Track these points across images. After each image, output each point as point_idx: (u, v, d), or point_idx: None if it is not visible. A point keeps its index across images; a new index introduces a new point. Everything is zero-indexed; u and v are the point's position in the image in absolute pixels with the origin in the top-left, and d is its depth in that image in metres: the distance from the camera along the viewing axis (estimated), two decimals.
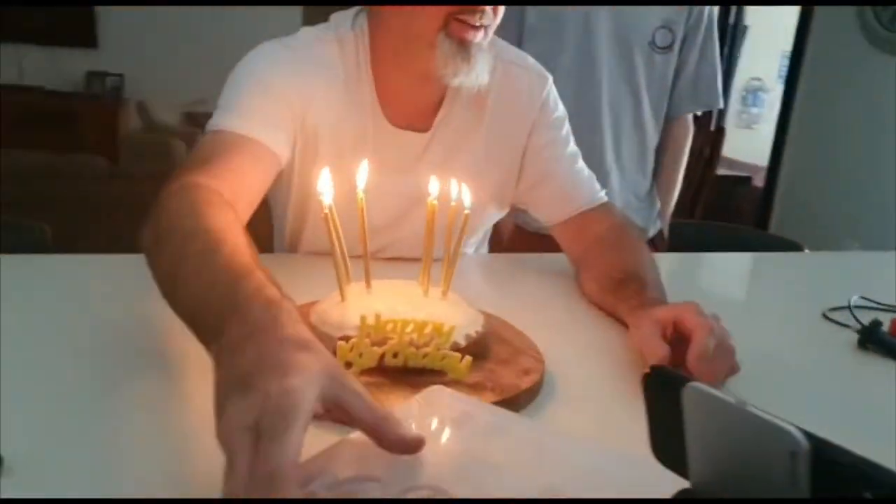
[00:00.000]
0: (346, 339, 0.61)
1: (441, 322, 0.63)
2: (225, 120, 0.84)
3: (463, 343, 0.65)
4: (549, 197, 1.04)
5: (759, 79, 6.14)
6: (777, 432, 0.34)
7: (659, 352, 0.67)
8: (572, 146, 1.06)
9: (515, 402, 0.61)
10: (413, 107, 0.96)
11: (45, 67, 4.20)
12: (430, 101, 0.96)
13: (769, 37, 5.49)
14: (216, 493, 0.39)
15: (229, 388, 0.43)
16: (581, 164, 1.06)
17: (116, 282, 0.84)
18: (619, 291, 0.86)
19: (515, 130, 1.01)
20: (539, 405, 0.64)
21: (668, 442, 0.40)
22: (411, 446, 0.45)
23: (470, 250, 1.15)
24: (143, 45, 4.14)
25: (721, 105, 1.64)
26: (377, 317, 0.61)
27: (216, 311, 0.51)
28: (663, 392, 0.40)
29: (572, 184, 1.04)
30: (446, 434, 0.52)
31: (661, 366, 0.42)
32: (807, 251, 1.55)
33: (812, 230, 3.65)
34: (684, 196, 3.45)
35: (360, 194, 0.68)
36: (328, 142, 0.92)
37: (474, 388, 0.61)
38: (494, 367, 0.66)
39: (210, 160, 0.79)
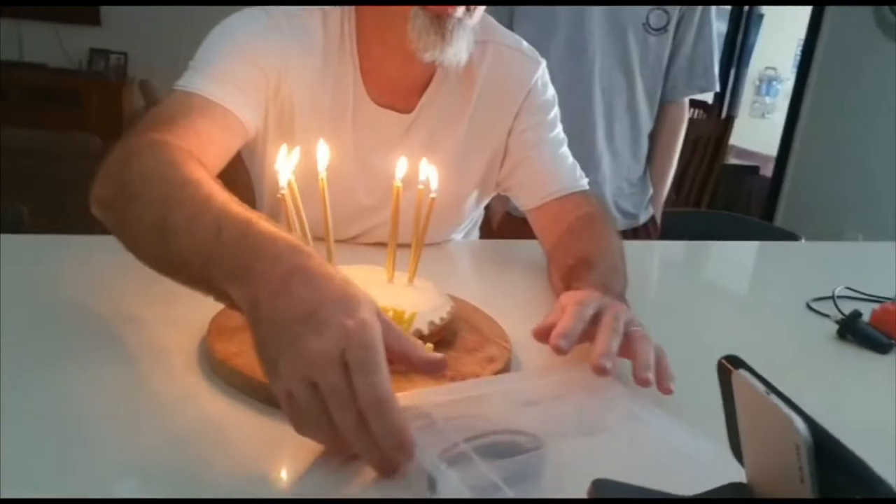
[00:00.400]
0: None
1: (403, 309, 0.61)
2: (195, 81, 0.82)
3: (426, 331, 0.63)
4: (527, 180, 1.01)
5: (773, 68, 6.07)
6: (784, 420, 0.34)
7: (544, 320, 0.64)
8: (558, 132, 1.03)
9: None
10: (397, 85, 0.93)
11: (48, 45, 4.18)
12: (416, 81, 0.94)
13: (784, 25, 5.41)
14: (172, 476, 0.37)
15: (294, 327, 0.44)
16: (565, 150, 1.03)
17: (85, 262, 0.83)
18: (567, 278, 0.80)
19: (502, 113, 0.99)
20: None
21: (732, 433, 0.42)
22: (438, 366, 0.51)
23: (458, 236, 1.13)
24: (147, 24, 4.12)
25: (717, 88, 1.60)
26: None
27: (232, 255, 0.51)
28: (723, 379, 0.41)
29: (551, 169, 1.00)
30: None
31: (730, 355, 0.41)
32: (803, 241, 1.53)
33: (817, 222, 3.61)
34: (691, 185, 3.44)
35: (322, 174, 0.66)
36: (305, 115, 0.90)
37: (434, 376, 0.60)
38: (459, 354, 0.64)
39: (175, 120, 0.76)
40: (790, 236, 1.61)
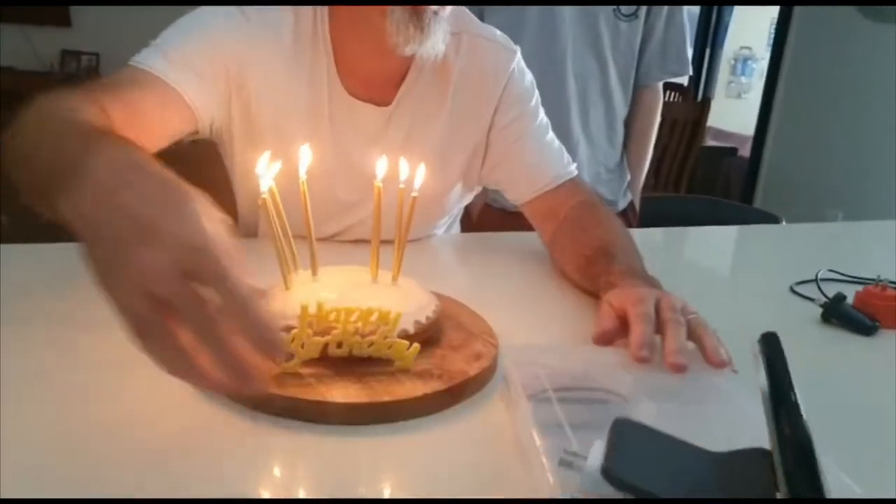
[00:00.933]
0: (288, 329, 0.59)
1: (388, 309, 0.61)
2: (149, 58, 0.81)
3: (412, 330, 0.63)
4: (516, 175, 1.01)
5: (748, 47, 6.10)
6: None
7: (602, 323, 0.68)
8: (541, 118, 1.03)
9: (463, 389, 0.60)
10: (374, 79, 0.93)
11: (18, 47, 4.10)
12: (392, 74, 0.93)
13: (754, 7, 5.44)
14: (161, 482, 0.37)
15: (126, 236, 0.41)
16: (551, 136, 1.03)
17: (68, 271, 0.82)
18: (589, 270, 0.84)
19: (481, 106, 0.98)
20: (492, 389, 0.62)
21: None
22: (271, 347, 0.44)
23: (440, 231, 1.13)
24: (118, 24, 4.04)
25: (690, 72, 1.62)
26: (319, 305, 0.59)
27: (69, 159, 0.47)
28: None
29: (539, 161, 1.00)
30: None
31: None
32: (783, 224, 1.54)
33: (796, 201, 3.65)
34: (669, 168, 3.46)
35: (303, 177, 0.65)
36: (274, 110, 0.90)
37: (421, 375, 0.60)
38: (446, 352, 0.64)
39: (111, 89, 0.74)
40: (770, 218, 1.63)
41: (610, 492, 0.40)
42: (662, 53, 1.53)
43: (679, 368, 0.59)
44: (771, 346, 0.42)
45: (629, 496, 0.39)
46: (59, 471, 0.47)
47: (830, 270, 1.00)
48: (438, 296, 0.71)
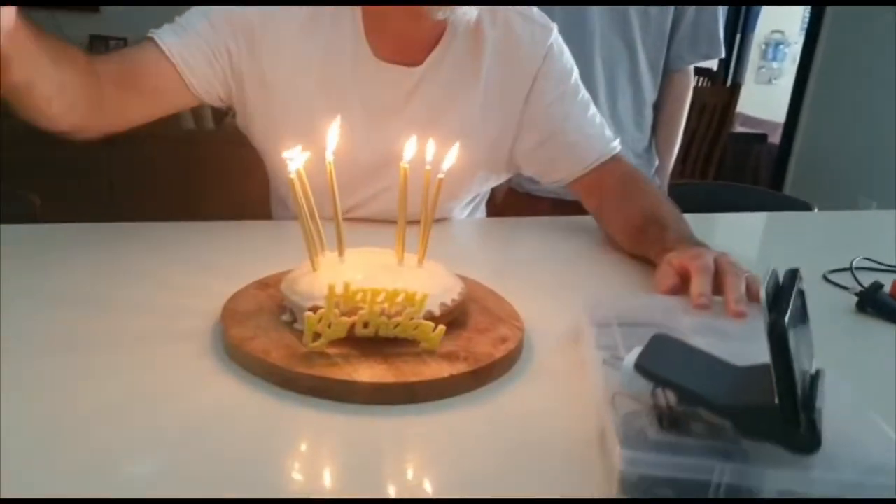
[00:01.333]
0: (315, 309, 0.59)
1: (414, 291, 0.61)
2: (159, 31, 0.88)
3: (437, 312, 0.63)
4: (562, 154, 1.00)
5: (780, 31, 5.96)
6: None
7: (665, 281, 0.75)
8: (583, 94, 1.02)
9: (489, 371, 0.60)
10: (405, 42, 0.92)
11: (47, 31, 4.15)
12: (425, 38, 0.93)
13: None
14: (188, 460, 0.37)
15: None
16: (593, 111, 1.03)
17: (98, 251, 0.83)
18: (642, 238, 0.90)
19: (516, 82, 0.97)
20: (517, 373, 0.62)
21: None
22: None
23: (464, 213, 1.12)
24: (146, 9, 4.08)
25: (722, 54, 1.57)
26: (346, 286, 0.59)
27: None
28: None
29: (584, 139, 1.00)
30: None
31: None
32: (815, 211, 1.51)
33: (828, 189, 3.58)
34: (697, 155, 3.41)
35: (329, 158, 0.65)
36: (290, 76, 0.91)
37: (447, 357, 0.59)
38: (472, 335, 0.64)
39: (119, 51, 0.89)
40: (802, 206, 1.59)
41: (643, 387, 0.48)
42: (694, 35, 1.50)
43: (740, 315, 0.67)
44: (775, 283, 0.48)
45: (659, 388, 0.48)
46: (93, 443, 0.48)
47: (865, 258, 0.97)
48: (464, 279, 0.71)
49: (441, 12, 0.82)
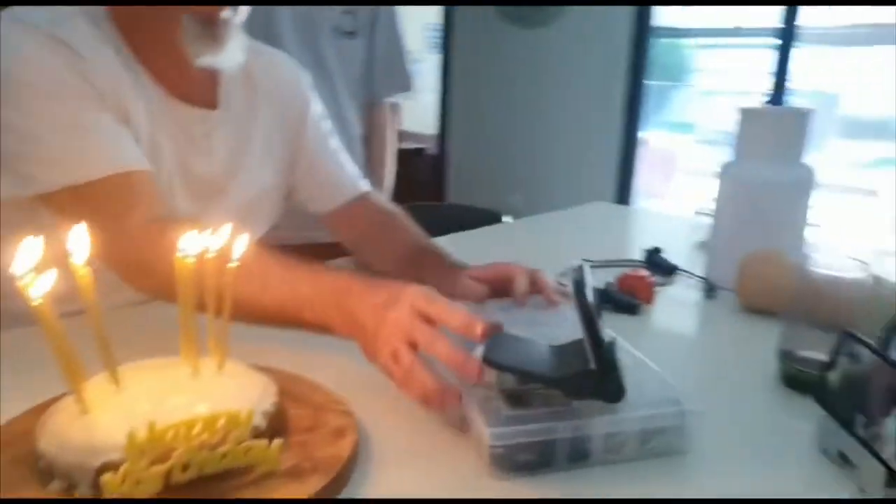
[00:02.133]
0: (109, 467, 0.45)
1: (232, 407, 0.50)
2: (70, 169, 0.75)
3: (264, 424, 0.53)
4: (323, 186, 1.06)
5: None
6: None
7: (474, 293, 0.82)
8: (336, 138, 1.09)
9: (345, 474, 0.53)
10: (193, 80, 0.88)
11: None
12: (208, 75, 0.90)
13: (411, 10, 5.86)
14: None
15: (377, 311, 0.63)
16: (346, 155, 1.10)
17: None
18: (421, 261, 0.96)
19: (290, 114, 1.01)
20: (364, 468, 0.55)
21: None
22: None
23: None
24: None
25: (412, 88, 1.66)
26: (152, 426, 0.46)
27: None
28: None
29: (342, 173, 1.08)
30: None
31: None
32: (508, 219, 1.68)
33: (483, 192, 4.04)
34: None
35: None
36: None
37: (293, 474, 0.51)
38: (303, 437, 0.56)
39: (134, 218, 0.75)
40: (492, 217, 1.75)
41: (490, 376, 0.59)
42: (388, 70, 1.54)
43: (557, 303, 0.81)
44: (578, 276, 0.59)
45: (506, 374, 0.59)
46: None
47: (585, 259, 1.10)
48: (260, 368, 0.61)
49: (204, 59, 0.82)
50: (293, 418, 0.58)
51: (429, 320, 0.60)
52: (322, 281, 0.68)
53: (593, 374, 0.56)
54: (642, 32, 3.53)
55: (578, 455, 0.56)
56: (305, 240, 1.28)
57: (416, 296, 0.61)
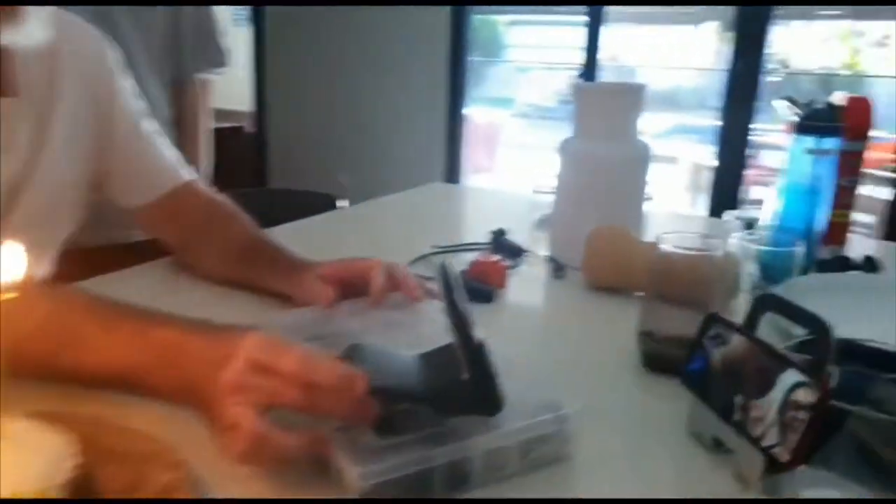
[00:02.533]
0: None
1: (12, 490, 0.38)
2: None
3: (66, 493, 0.41)
4: (139, 174, 0.92)
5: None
6: None
7: (325, 295, 0.75)
8: (151, 120, 0.95)
9: None
10: None
11: None
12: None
13: None
14: None
15: (209, 380, 0.51)
16: (165, 139, 0.96)
17: None
18: (254, 258, 0.87)
19: (99, 92, 0.87)
20: None
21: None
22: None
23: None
24: None
25: (227, 63, 1.50)
26: None
27: None
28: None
29: (162, 161, 0.94)
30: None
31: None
32: (345, 204, 1.58)
33: (308, 173, 3.88)
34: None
35: None
36: None
37: None
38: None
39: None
40: (326, 200, 1.64)
41: None
42: (199, 44, 1.37)
43: (421, 298, 0.75)
44: (445, 274, 0.55)
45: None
46: None
47: (435, 246, 1.06)
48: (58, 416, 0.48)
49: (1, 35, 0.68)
50: (107, 479, 0.46)
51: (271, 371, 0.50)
52: (148, 338, 0.57)
53: (467, 385, 0.50)
54: (462, 8, 3.54)
55: (458, 481, 0.50)
56: (108, 240, 1.12)
57: (250, 348, 0.51)
